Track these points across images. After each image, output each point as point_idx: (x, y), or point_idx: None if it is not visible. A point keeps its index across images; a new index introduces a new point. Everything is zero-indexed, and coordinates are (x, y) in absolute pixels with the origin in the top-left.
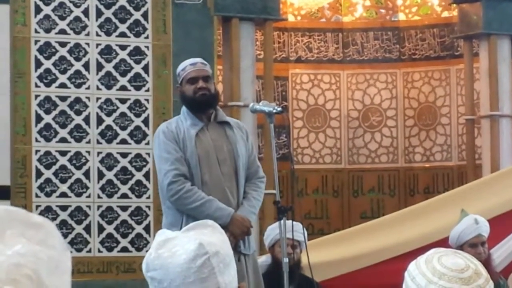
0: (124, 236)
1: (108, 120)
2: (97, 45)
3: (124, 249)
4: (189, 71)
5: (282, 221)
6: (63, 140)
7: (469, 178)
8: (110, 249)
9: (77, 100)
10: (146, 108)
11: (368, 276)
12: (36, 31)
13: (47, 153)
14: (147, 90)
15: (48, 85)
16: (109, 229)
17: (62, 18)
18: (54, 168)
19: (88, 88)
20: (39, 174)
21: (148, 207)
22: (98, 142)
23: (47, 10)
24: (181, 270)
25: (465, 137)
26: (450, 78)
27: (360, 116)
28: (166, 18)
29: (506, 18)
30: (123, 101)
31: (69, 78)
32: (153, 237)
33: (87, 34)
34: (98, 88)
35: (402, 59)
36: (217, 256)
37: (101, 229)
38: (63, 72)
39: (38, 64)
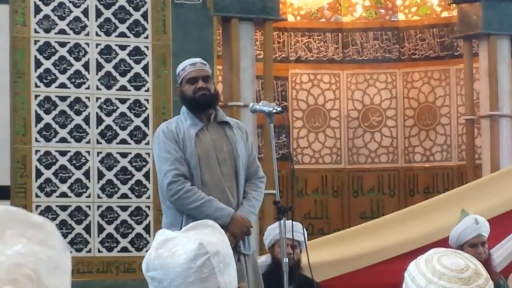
0: (124, 236)
1: (108, 120)
2: (97, 45)
3: (124, 249)
4: (189, 71)
5: (282, 221)
6: (63, 140)
7: (469, 178)
8: (110, 249)
9: (77, 100)
10: (146, 108)
11: (368, 276)
12: (35, 31)
13: (47, 153)
14: (147, 90)
15: (48, 85)
16: (109, 229)
17: (61, 18)
18: (54, 168)
19: (88, 88)
20: (39, 174)
21: (148, 207)
22: (98, 142)
23: (46, 10)
24: (181, 270)
25: (465, 137)
26: (450, 78)
27: (360, 116)
28: (166, 18)
29: (506, 18)
30: (123, 101)
31: (69, 78)
32: (153, 237)
33: (87, 34)
34: (98, 88)
35: (402, 59)
36: (217, 256)
37: (101, 229)
38: (63, 72)
39: (38, 64)
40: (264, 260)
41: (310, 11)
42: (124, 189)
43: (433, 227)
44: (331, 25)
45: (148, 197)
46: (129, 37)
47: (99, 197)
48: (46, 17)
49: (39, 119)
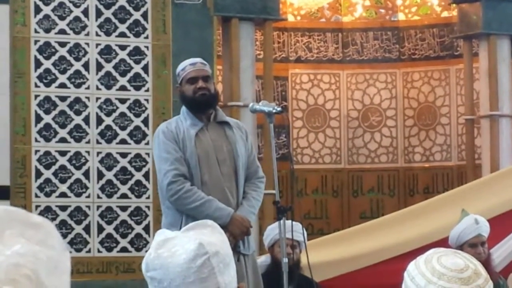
0: (124, 236)
1: (108, 120)
2: (97, 45)
3: (124, 249)
4: (188, 71)
5: (281, 221)
6: (62, 140)
7: (468, 178)
8: (109, 249)
9: (77, 100)
10: (146, 108)
11: (367, 276)
12: (35, 31)
13: (47, 153)
14: (147, 90)
15: (47, 85)
16: (109, 229)
17: (61, 18)
18: (53, 168)
19: (87, 88)
20: (38, 174)
21: (148, 207)
22: (98, 142)
23: (46, 10)
24: (181, 270)
25: (465, 137)
26: (450, 78)
27: (359, 116)
28: (166, 18)
29: (506, 18)
30: (122, 101)
31: (69, 78)
32: (152, 237)
33: (87, 34)
34: (97, 88)
35: (402, 59)
36: (217, 256)
37: (100, 229)
38: (63, 72)
39: (38, 64)
40: (263, 260)
41: (310, 11)
42: (123, 189)
43: (433, 227)
44: (331, 25)
45: (148, 197)
46: (129, 37)
47: (98, 197)
48: (46, 17)
49: (39, 119)
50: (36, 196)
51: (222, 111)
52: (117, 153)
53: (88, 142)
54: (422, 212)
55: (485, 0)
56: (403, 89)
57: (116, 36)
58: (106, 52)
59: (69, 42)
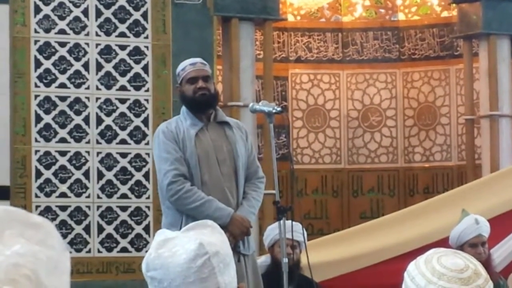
0: (124, 236)
1: (108, 120)
2: (97, 45)
3: (124, 250)
4: (188, 71)
5: (281, 221)
6: (62, 140)
7: (468, 178)
8: (109, 250)
9: (77, 100)
10: (146, 108)
11: (367, 276)
12: (35, 31)
13: (47, 153)
14: (147, 90)
15: (47, 85)
16: (109, 229)
17: (61, 18)
18: (53, 168)
19: (87, 88)
20: (38, 174)
21: (148, 207)
22: (98, 142)
23: (46, 10)
24: (181, 270)
25: (465, 137)
26: (450, 78)
27: (359, 116)
28: (166, 18)
29: (506, 18)
30: (122, 101)
31: (69, 78)
32: (152, 238)
33: (87, 34)
34: (97, 88)
35: (402, 59)
36: (217, 256)
37: (100, 229)
38: (63, 72)
39: (38, 64)
40: (263, 260)
41: (310, 11)
42: (123, 189)
43: (433, 227)
44: (331, 25)
45: (148, 197)
46: (129, 37)
47: (98, 197)
48: (46, 17)
49: (39, 119)
50: (36, 196)
51: (222, 111)
52: (117, 153)
53: (88, 142)
54: (422, 212)
55: (485, 0)
56: (403, 89)
57: (116, 36)
58: (106, 52)
59: (69, 42)
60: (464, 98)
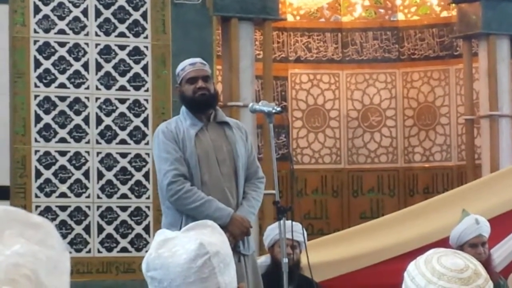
0: (124, 236)
1: (108, 120)
2: (96, 45)
3: (124, 250)
4: (188, 71)
5: (281, 221)
6: (62, 140)
7: (468, 178)
8: (109, 250)
9: (77, 100)
10: (146, 108)
11: (367, 276)
12: (35, 31)
13: (47, 153)
14: (147, 90)
15: (47, 85)
16: (109, 229)
17: (61, 18)
18: (53, 168)
19: (87, 88)
20: (38, 174)
21: (148, 207)
22: (98, 142)
23: (46, 10)
24: (181, 270)
25: (465, 137)
26: (449, 78)
27: (359, 116)
28: (165, 18)
29: (505, 18)
30: (122, 101)
31: (69, 78)
32: (152, 238)
33: (86, 34)
34: (97, 88)
35: (401, 59)
36: (218, 256)
37: (100, 229)
38: (63, 72)
39: (38, 64)
40: (263, 260)
41: (310, 11)
42: (123, 189)
43: (433, 227)
44: (330, 25)
45: (148, 198)
46: (128, 37)
47: (98, 197)
48: (46, 17)
49: (38, 119)
50: (36, 196)
51: (222, 111)
52: (117, 153)
53: (88, 142)
54: (422, 212)
55: (485, 0)
56: (402, 89)
57: (116, 36)
58: (106, 52)
59: (68, 42)
60: (464, 98)
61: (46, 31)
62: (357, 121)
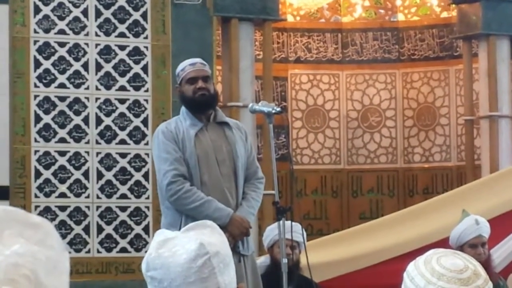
0: (123, 236)
1: (107, 121)
2: (96, 45)
3: (123, 250)
4: (188, 71)
5: (281, 222)
6: (62, 140)
7: (468, 179)
8: (109, 250)
9: (76, 100)
10: (145, 109)
11: (367, 276)
12: (35, 31)
13: (46, 153)
14: (146, 91)
15: (47, 85)
16: (108, 229)
17: (61, 18)
18: (53, 168)
19: (87, 88)
20: (38, 174)
21: (147, 207)
22: (97, 143)
23: (46, 10)
24: (181, 269)
25: (464, 137)
26: (449, 79)
27: (359, 116)
28: (165, 19)
29: (505, 19)
30: (122, 101)
31: (68, 78)
32: (152, 238)
33: (86, 34)
34: (97, 88)
35: (401, 60)
36: (218, 256)
37: (100, 229)
38: (62, 72)
39: (37, 64)
40: (263, 260)
41: (310, 12)
42: (123, 189)
43: (432, 227)
44: (330, 25)
45: (147, 198)
46: (128, 37)
47: (98, 197)
48: (46, 17)
49: (38, 119)
50: (36, 196)
51: (221, 111)
52: (116, 153)
53: (88, 142)
54: (422, 212)
55: (485, 1)
56: (402, 90)
57: (116, 36)
58: (106, 52)
59: (68, 42)
60: (464, 99)
61: (46, 31)
62: (356, 121)
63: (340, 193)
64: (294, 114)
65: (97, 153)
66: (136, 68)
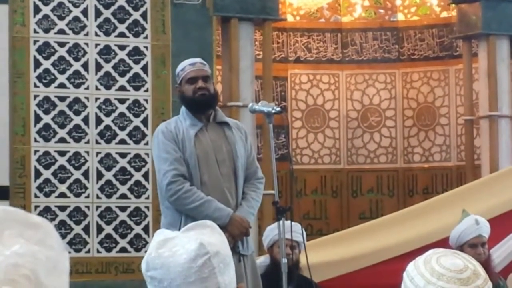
0: (123, 236)
1: (107, 120)
2: (96, 45)
3: (123, 250)
4: (188, 71)
5: (281, 222)
6: (62, 140)
7: (468, 179)
8: (109, 250)
9: (76, 100)
10: (145, 108)
11: (366, 276)
12: (35, 31)
13: (46, 153)
14: (146, 90)
15: (47, 85)
16: (108, 229)
17: (61, 18)
18: (53, 168)
19: (87, 88)
20: (38, 174)
21: (147, 207)
22: (97, 142)
23: (46, 10)
24: (182, 269)
25: (464, 137)
26: (449, 79)
27: (359, 116)
28: (165, 18)
29: (505, 18)
30: (122, 101)
31: (68, 78)
32: (151, 238)
33: (86, 34)
34: (97, 88)
35: (401, 59)
36: (218, 256)
37: (100, 229)
38: (62, 72)
39: (37, 64)
40: (263, 260)
41: (310, 11)
42: (123, 189)
43: (432, 227)
44: (330, 25)
45: (147, 198)
46: (128, 37)
47: (98, 197)
48: (46, 17)
49: (38, 119)
50: (36, 196)
51: (221, 111)
52: (116, 153)
53: (88, 142)
54: (422, 212)
55: (485, 1)
56: (402, 90)
57: (116, 36)
58: (106, 52)
59: (68, 42)
60: (464, 99)
61: (46, 31)
62: (356, 121)
63: (340, 193)
64: (294, 114)
65: (97, 153)
66: (136, 68)
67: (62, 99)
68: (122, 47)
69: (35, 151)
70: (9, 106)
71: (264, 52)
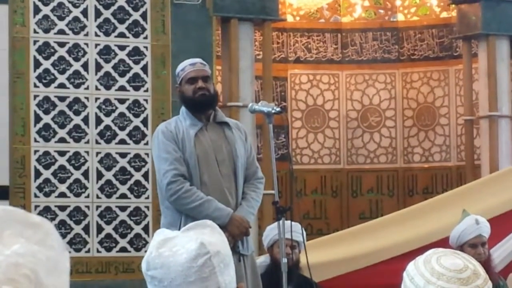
0: (123, 236)
1: (107, 120)
2: (96, 45)
3: (123, 249)
4: (188, 71)
5: (281, 222)
6: (62, 140)
7: (468, 179)
8: (109, 249)
9: (76, 100)
10: (145, 109)
11: (366, 276)
12: (35, 31)
13: (46, 153)
14: (146, 91)
15: (47, 85)
16: (108, 229)
17: (61, 18)
18: (53, 168)
19: (87, 88)
20: (38, 174)
21: (147, 207)
22: (97, 142)
23: (46, 10)
24: (182, 269)
25: (464, 137)
26: (449, 79)
27: (359, 116)
28: (165, 19)
29: (505, 19)
30: (122, 101)
31: (68, 78)
32: (151, 237)
33: (86, 34)
34: (97, 88)
35: (401, 60)
36: (218, 256)
37: (100, 229)
38: (62, 72)
39: (37, 64)
40: (263, 260)
41: (309, 12)
42: (123, 189)
43: (432, 227)
44: (330, 25)
45: (147, 197)
46: (128, 37)
47: (98, 197)
48: (45, 17)
49: (38, 119)
50: (36, 196)
51: (221, 111)
52: (116, 153)
53: (88, 142)
54: (422, 212)
55: (484, 1)
56: (402, 90)
57: (115, 37)
58: (105, 52)
59: (68, 42)
60: (463, 99)
61: (46, 31)
62: (356, 121)
63: (340, 193)
64: (294, 114)
65: (97, 153)
66: (136, 68)
67: (62, 99)
68: (122, 47)
69: (35, 151)
70: (9, 106)
71: (264, 52)
